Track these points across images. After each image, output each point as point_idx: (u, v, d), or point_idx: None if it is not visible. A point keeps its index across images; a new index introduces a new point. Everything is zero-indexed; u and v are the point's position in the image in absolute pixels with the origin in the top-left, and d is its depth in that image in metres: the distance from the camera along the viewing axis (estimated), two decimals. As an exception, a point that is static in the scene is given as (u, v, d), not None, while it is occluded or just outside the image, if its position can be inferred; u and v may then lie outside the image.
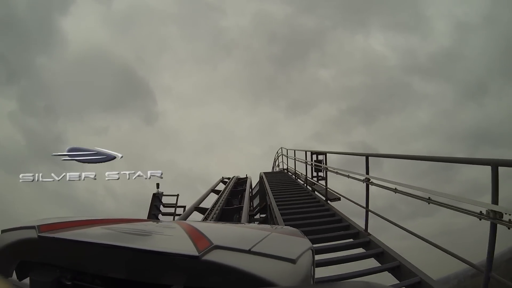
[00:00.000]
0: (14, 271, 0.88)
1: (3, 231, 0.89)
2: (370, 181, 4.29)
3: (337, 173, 5.97)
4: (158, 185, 7.67)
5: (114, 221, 1.03)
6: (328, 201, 6.52)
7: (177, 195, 7.72)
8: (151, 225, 1.07)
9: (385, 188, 3.82)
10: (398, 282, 3.23)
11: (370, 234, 4.39)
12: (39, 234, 0.80)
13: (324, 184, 6.97)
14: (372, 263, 3.85)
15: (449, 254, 2.73)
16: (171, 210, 7.69)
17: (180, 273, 0.72)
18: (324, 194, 6.74)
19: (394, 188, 3.52)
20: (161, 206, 7.69)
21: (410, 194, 3.28)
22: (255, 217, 9.20)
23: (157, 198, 7.60)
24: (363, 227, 4.56)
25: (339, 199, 6.28)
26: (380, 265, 3.68)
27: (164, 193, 7.69)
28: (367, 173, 4.39)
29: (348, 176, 5.14)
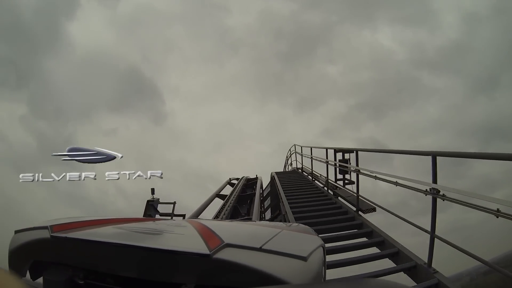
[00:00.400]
0: (28, 271, 0.89)
1: (16, 232, 0.90)
2: (441, 193, 2.88)
3: (376, 177, 4.32)
4: (153, 190, 6.63)
5: (125, 221, 1.04)
6: (360, 213, 5.07)
7: (174, 203, 6.64)
8: (162, 224, 1.08)
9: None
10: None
11: (437, 272, 2.98)
12: (51, 234, 0.81)
13: (352, 190, 5.76)
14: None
15: (461, 251, 2.65)
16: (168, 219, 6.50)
17: (192, 272, 0.72)
18: (354, 203, 5.28)
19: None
20: (157, 215, 6.49)
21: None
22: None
23: (151, 206, 6.44)
24: (422, 258, 3.23)
25: (374, 209, 4.87)
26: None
27: (160, 200, 6.63)
28: (435, 181, 2.96)
29: (404, 186, 3.56)
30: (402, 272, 3.30)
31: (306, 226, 1.10)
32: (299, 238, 0.96)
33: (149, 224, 1.05)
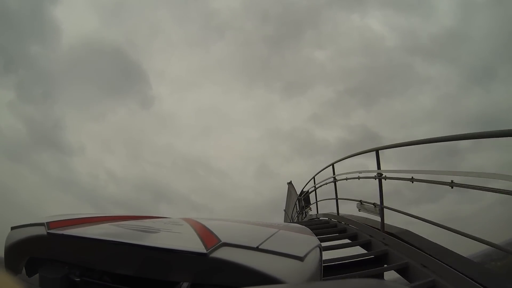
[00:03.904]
0: (24, 268, 0.89)
1: (12, 228, 0.89)
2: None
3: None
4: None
5: (122, 218, 1.04)
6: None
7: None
8: (159, 222, 1.08)
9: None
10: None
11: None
12: (48, 231, 0.81)
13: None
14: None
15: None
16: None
17: (188, 270, 0.73)
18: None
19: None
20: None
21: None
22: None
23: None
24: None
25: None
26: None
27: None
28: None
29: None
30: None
31: (303, 226, 1.10)
32: (296, 238, 0.97)
33: (146, 222, 1.04)
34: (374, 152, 3.83)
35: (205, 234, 0.81)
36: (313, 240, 0.93)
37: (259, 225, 1.03)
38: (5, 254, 0.89)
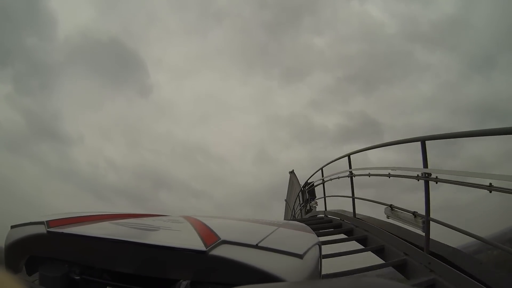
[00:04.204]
0: (24, 266, 0.89)
1: (12, 227, 0.90)
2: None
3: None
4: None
5: (122, 216, 1.04)
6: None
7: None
8: (159, 220, 1.08)
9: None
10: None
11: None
12: (48, 230, 0.81)
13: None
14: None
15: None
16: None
17: (188, 268, 0.72)
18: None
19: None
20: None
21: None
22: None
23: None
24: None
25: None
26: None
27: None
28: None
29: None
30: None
31: (303, 224, 1.10)
32: (295, 236, 0.96)
33: (146, 220, 1.05)
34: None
35: (205, 232, 0.81)
36: (313, 237, 0.92)
37: (258, 222, 1.03)
38: (5, 252, 0.89)
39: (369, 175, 4.29)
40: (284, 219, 14.82)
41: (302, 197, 9.78)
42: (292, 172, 14.39)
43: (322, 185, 6.66)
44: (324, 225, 5.02)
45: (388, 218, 3.64)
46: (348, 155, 4.93)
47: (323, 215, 6.29)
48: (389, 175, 3.67)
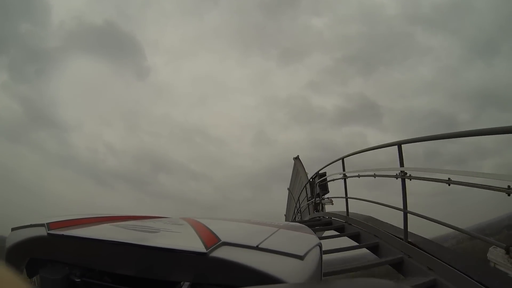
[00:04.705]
0: (25, 269, 0.89)
1: (13, 229, 0.89)
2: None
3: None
4: None
5: (123, 218, 1.04)
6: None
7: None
8: (159, 222, 1.08)
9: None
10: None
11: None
12: (48, 232, 0.81)
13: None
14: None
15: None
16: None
17: (188, 270, 0.72)
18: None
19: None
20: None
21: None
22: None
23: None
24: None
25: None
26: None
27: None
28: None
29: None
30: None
31: (303, 225, 1.10)
32: (296, 237, 0.96)
33: (146, 222, 1.04)
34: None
35: (205, 233, 0.81)
36: (313, 239, 0.92)
37: (259, 224, 1.03)
38: (6, 255, 0.89)
39: (358, 176, 4.81)
40: (287, 210, 14.32)
41: (310, 190, 8.31)
42: (297, 158, 12.97)
43: (343, 181, 5.30)
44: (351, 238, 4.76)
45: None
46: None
47: (343, 222, 5.41)
48: (374, 175, 4.24)
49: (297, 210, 10.69)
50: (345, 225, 5.25)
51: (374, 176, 4.23)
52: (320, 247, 0.86)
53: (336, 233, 5.14)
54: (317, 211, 7.86)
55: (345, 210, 5.32)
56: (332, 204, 6.72)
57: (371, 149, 4.59)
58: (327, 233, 5.60)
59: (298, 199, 10.59)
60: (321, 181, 7.39)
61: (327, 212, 6.80)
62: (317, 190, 7.65)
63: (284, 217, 15.15)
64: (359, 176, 4.84)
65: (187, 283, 0.71)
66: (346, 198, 5.30)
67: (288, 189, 14.22)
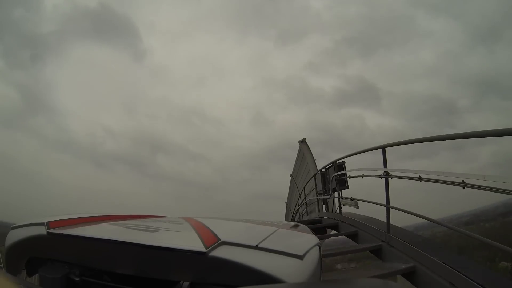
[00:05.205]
0: (24, 267, 0.90)
1: (12, 228, 0.90)
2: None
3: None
4: None
5: (122, 217, 1.04)
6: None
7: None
8: (158, 221, 1.08)
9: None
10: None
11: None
12: (48, 231, 0.81)
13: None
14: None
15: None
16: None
17: (188, 269, 0.73)
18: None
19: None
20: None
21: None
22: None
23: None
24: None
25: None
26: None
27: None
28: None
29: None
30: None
31: (303, 225, 1.10)
32: (295, 237, 0.96)
33: (146, 221, 1.05)
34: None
35: (205, 232, 0.81)
36: (313, 238, 0.92)
37: (258, 223, 1.03)
38: (5, 254, 0.89)
39: (362, 176, 4.78)
40: (288, 198, 14.00)
41: (322, 182, 6.90)
42: (303, 142, 10.92)
43: (385, 180, 3.65)
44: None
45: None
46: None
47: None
48: (362, 176, 4.54)
49: (302, 202, 9.29)
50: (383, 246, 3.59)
51: (362, 176, 4.50)
52: (320, 247, 0.86)
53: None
54: (328, 210, 6.72)
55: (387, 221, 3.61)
56: (358, 207, 4.93)
57: (357, 153, 4.82)
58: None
59: (304, 190, 9.10)
60: (338, 175, 5.88)
61: (344, 216, 5.21)
62: (333, 184, 6.07)
63: (285, 204, 14.48)
64: (349, 177, 5.00)
65: (186, 283, 0.72)
66: (388, 207, 3.60)
67: (291, 175, 12.51)
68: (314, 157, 10.16)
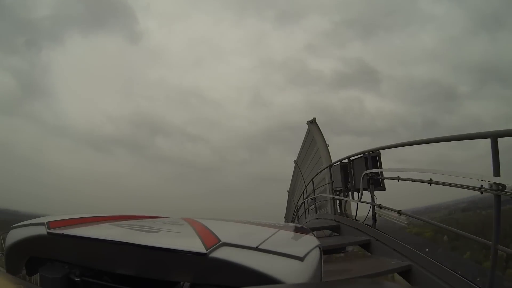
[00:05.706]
0: (24, 267, 0.90)
1: (12, 228, 0.90)
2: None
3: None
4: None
5: (122, 218, 1.04)
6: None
7: None
8: (159, 222, 1.08)
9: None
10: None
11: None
12: (48, 231, 0.81)
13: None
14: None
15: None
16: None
17: (188, 270, 0.73)
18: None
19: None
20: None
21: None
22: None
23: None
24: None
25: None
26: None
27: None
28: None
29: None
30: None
31: (304, 227, 1.10)
32: (296, 238, 0.97)
33: (146, 222, 1.05)
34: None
35: (205, 234, 0.81)
36: (313, 240, 0.93)
37: (259, 225, 1.03)
38: (5, 253, 0.89)
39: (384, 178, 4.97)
40: (291, 187, 13.60)
41: (342, 177, 5.27)
42: (312, 123, 9.19)
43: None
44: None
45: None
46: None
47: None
48: (398, 179, 4.62)
49: (309, 195, 7.94)
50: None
51: (398, 179, 4.54)
52: (320, 249, 0.87)
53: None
54: (344, 212, 5.39)
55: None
56: (406, 224, 3.57)
57: (347, 157, 5.28)
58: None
59: (312, 182, 7.56)
60: (375, 173, 4.24)
61: (379, 231, 3.78)
62: (363, 184, 4.31)
63: (287, 193, 13.89)
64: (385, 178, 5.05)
65: (187, 284, 0.72)
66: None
67: (295, 162, 10.81)
68: (327, 142, 8.37)
